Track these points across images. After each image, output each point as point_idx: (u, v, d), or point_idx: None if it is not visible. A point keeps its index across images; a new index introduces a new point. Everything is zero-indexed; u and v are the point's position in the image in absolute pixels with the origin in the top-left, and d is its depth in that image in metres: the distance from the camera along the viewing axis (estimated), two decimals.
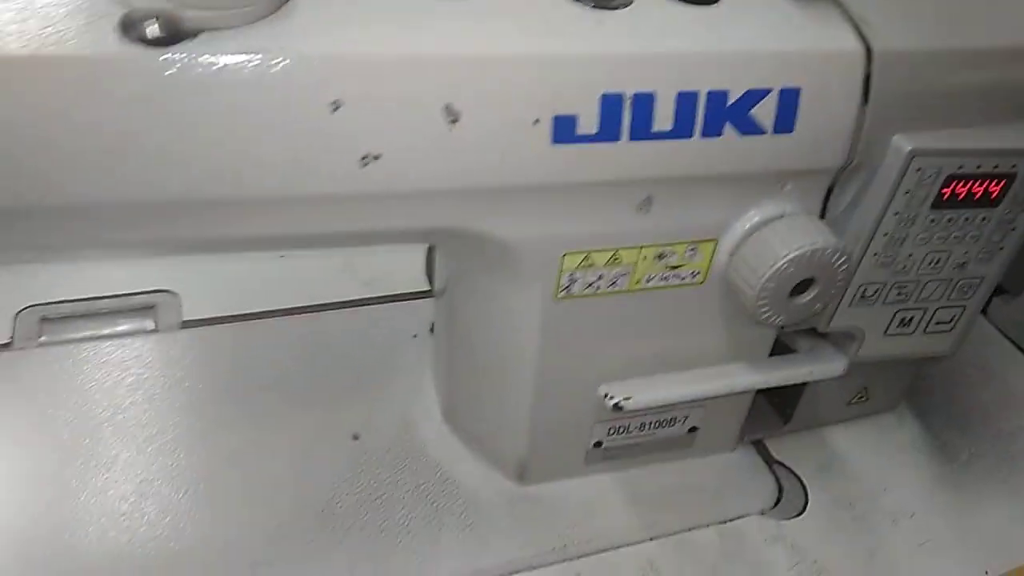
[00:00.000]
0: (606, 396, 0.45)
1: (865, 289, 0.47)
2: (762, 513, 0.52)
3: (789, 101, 0.39)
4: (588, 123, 0.37)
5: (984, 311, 0.70)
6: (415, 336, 0.61)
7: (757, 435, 0.57)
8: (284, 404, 0.55)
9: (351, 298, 0.64)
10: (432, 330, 0.62)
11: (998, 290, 0.73)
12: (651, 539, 0.50)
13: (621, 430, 0.51)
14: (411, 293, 0.65)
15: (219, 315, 0.61)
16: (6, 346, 0.56)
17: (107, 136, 0.32)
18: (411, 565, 0.47)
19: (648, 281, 0.44)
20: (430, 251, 0.58)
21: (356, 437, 0.54)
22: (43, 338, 0.57)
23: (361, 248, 0.69)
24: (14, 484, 0.49)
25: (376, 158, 0.35)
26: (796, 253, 0.41)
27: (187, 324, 0.60)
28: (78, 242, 0.36)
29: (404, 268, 0.67)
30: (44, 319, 0.58)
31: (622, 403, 0.45)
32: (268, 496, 0.50)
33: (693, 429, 0.53)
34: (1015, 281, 0.71)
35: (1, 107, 0.31)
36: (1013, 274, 0.69)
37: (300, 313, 0.62)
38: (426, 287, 0.65)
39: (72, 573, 0.45)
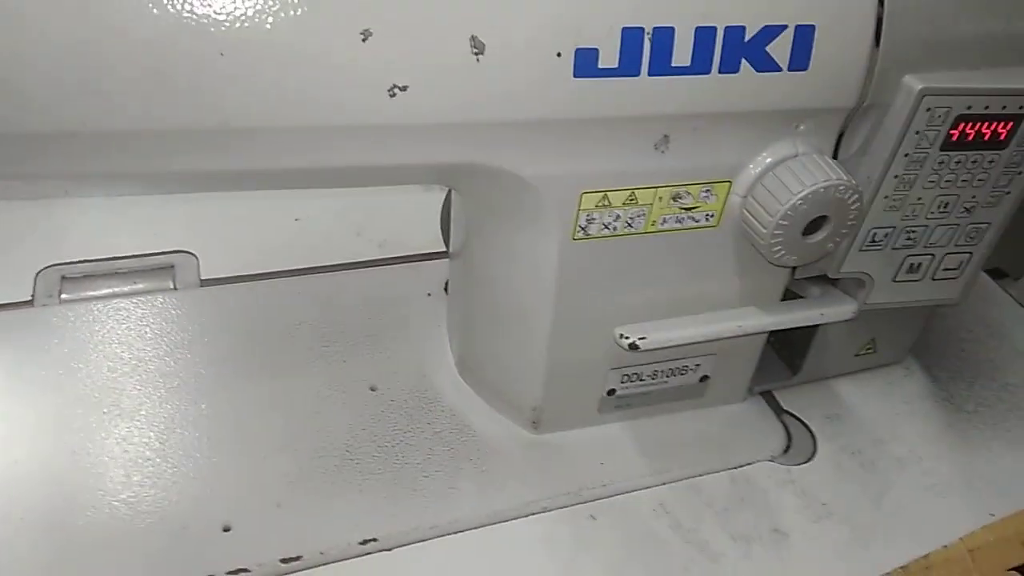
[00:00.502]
0: (621, 337, 0.46)
1: (875, 234, 0.48)
2: (772, 460, 0.53)
3: (804, 38, 0.40)
4: (609, 57, 0.38)
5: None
6: (429, 295, 0.62)
7: (766, 386, 0.58)
8: (302, 358, 0.56)
9: (365, 259, 0.65)
10: (445, 289, 0.63)
11: (998, 273, 0.75)
12: (663, 484, 0.51)
13: (634, 378, 0.52)
14: (424, 254, 0.66)
15: (237, 274, 0.62)
16: (28, 303, 0.57)
17: (140, 66, 0.33)
18: (429, 506, 0.48)
19: (663, 223, 0.45)
20: (446, 210, 0.58)
21: (373, 388, 0.55)
22: (64, 296, 0.58)
23: (374, 211, 0.70)
24: (40, 434, 0.49)
25: (403, 89, 0.36)
26: (810, 189, 0.42)
27: (206, 283, 0.61)
28: (108, 172, 0.37)
29: (416, 231, 0.68)
30: (65, 278, 0.59)
31: (637, 342, 0.46)
32: (289, 442, 0.50)
33: (704, 378, 0.54)
34: (1016, 265, 0.73)
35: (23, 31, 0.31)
36: (1014, 257, 0.70)
37: (315, 273, 0.63)
38: (439, 249, 0.66)
39: (98, 518, 0.46)
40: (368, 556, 0.46)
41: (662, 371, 0.52)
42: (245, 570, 0.44)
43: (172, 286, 0.60)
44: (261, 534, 0.45)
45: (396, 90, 0.36)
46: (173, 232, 0.64)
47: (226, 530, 0.46)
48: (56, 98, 0.33)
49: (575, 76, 0.38)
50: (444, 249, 0.66)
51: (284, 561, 0.44)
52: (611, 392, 0.52)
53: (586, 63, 0.38)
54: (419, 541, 0.47)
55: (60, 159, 0.36)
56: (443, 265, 0.65)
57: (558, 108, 0.39)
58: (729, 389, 0.55)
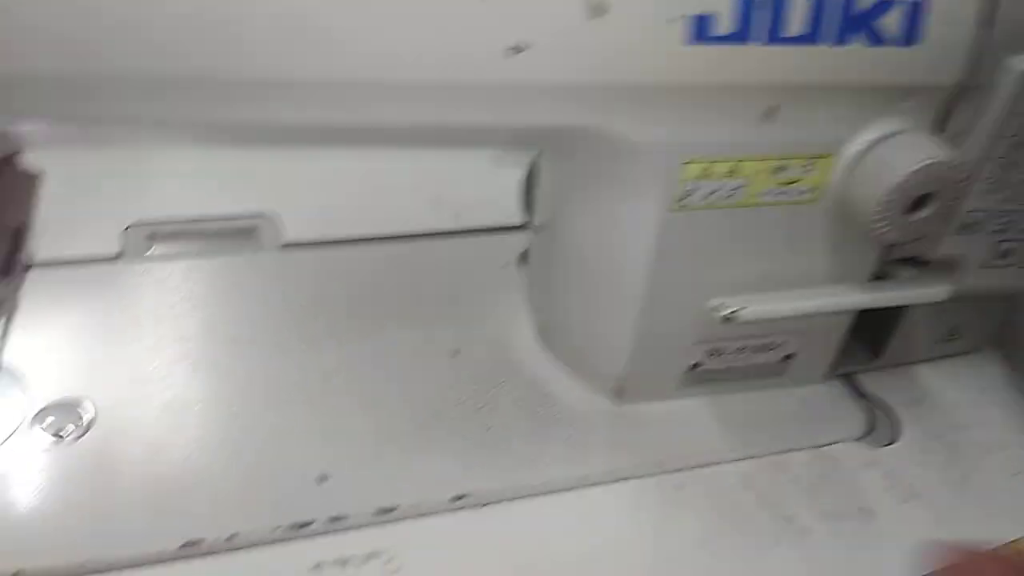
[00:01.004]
0: (717, 308, 0.46)
1: (971, 216, 0.48)
2: (856, 441, 0.53)
3: (917, 12, 0.40)
4: (725, 22, 0.38)
5: None
6: (504, 266, 0.63)
7: (846, 369, 0.57)
8: (382, 322, 0.57)
9: (442, 229, 0.65)
10: (520, 261, 0.63)
11: None
12: (747, 458, 0.51)
13: (720, 353, 0.52)
14: (498, 227, 0.66)
15: (317, 239, 0.63)
16: (115, 259, 0.58)
17: (274, 16, 0.34)
18: (518, 469, 0.49)
19: (763, 196, 0.45)
20: (529, 182, 0.59)
21: (455, 353, 0.55)
22: (150, 253, 0.59)
23: (449, 183, 0.70)
24: (131, 385, 0.51)
25: (522, 48, 0.36)
26: (921, 165, 0.41)
27: (287, 246, 0.62)
28: (233, 121, 0.38)
29: (492, 202, 0.69)
30: (151, 235, 0.60)
31: (735, 313, 0.46)
32: (377, 400, 0.51)
33: (788, 357, 0.54)
34: None
35: None
36: None
37: (393, 240, 0.64)
38: (513, 223, 0.67)
39: (192, 466, 0.47)
40: (460, 511, 0.46)
41: (748, 347, 0.52)
42: (343, 517, 0.45)
43: (256, 248, 0.61)
44: (356, 485, 0.46)
45: (516, 49, 0.36)
46: (254, 194, 0.65)
47: (321, 480, 0.46)
48: (189, 43, 0.34)
49: (690, 42, 0.38)
50: (519, 223, 0.67)
51: (379, 511, 0.45)
52: (695, 366, 0.52)
53: (702, 28, 0.38)
54: (510, 500, 0.47)
55: (187, 105, 0.37)
56: (518, 238, 0.65)
57: (673, 73, 0.39)
58: (811, 369, 0.55)
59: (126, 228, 0.60)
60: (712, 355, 0.52)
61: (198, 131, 0.40)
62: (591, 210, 0.47)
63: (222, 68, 0.34)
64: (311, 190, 0.66)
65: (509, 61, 0.36)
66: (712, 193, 0.44)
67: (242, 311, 0.56)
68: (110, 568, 0.41)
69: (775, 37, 0.39)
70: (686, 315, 0.49)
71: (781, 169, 0.44)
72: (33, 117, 0.35)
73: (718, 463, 0.51)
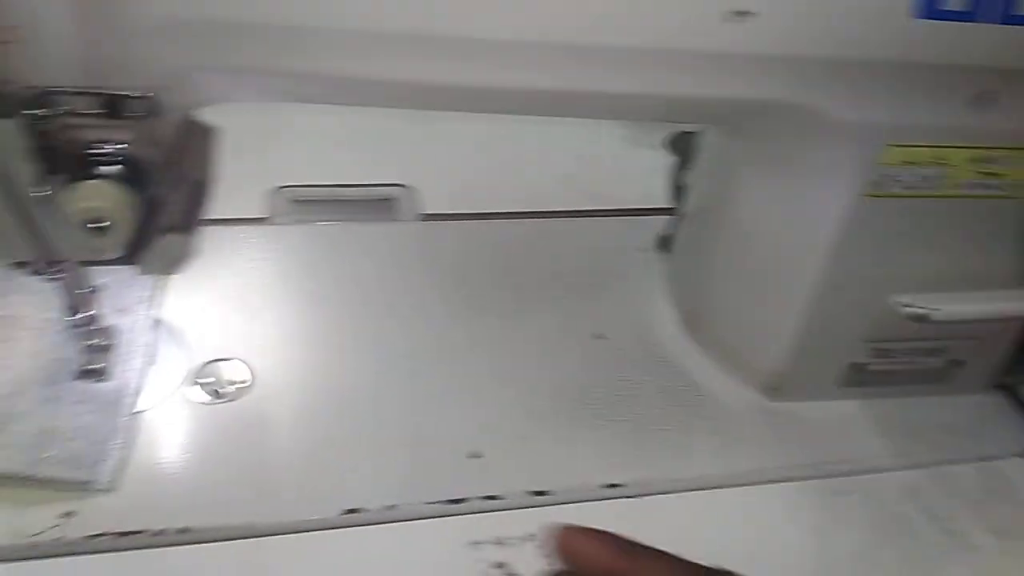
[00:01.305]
0: (905, 305, 0.44)
1: None
2: (1022, 456, 0.50)
3: None
4: None
5: None
6: (644, 250, 0.61)
7: (1009, 380, 0.54)
8: (527, 300, 0.56)
9: (578, 209, 0.64)
10: (659, 245, 0.61)
11: None
12: (909, 468, 0.48)
13: (887, 353, 0.49)
14: (636, 210, 0.64)
15: (454, 212, 0.62)
16: (261, 220, 0.58)
17: None
18: (667, 459, 0.47)
19: (962, 188, 0.42)
20: (681, 164, 0.57)
21: (599, 336, 0.54)
22: (295, 217, 0.59)
23: (583, 162, 0.69)
24: (280, 349, 0.50)
25: (745, 14, 0.34)
26: None
27: (426, 217, 0.61)
28: (411, 81, 0.36)
29: (627, 182, 0.67)
30: (295, 200, 0.60)
31: (928, 313, 0.43)
32: (525, 379, 0.50)
33: (954, 363, 0.51)
34: None
35: None
36: None
37: (530, 217, 0.62)
38: (651, 204, 0.65)
39: (341, 436, 0.46)
40: (614, 500, 0.45)
41: (918, 349, 0.49)
42: (497, 496, 0.44)
43: (395, 218, 0.61)
44: (509, 464, 0.45)
45: (738, 15, 0.34)
46: (392, 166, 0.65)
47: (474, 457, 0.46)
48: None
49: (922, 15, 0.35)
50: (658, 206, 0.65)
51: (533, 494, 0.44)
52: (856, 366, 0.50)
53: (932, 4, 0.35)
54: (662, 493, 0.46)
55: (361, 61, 0.35)
56: (655, 221, 0.63)
57: (897, 48, 0.36)
58: (975, 377, 0.52)
59: (271, 190, 0.61)
60: (878, 355, 0.49)
61: (374, 91, 0.39)
62: (769, 194, 0.45)
63: (434, 25, 0.33)
64: (443, 162, 0.66)
65: (727, 28, 0.34)
66: (910, 180, 0.41)
67: (386, 279, 0.55)
68: (273, 532, 0.41)
69: (1009, 17, 0.36)
70: (861, 310, 0.46)
71: (987, 160, 0.41)
72: (232, 69, 0.34)
73: (878, 471, 0.48)
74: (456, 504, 0.43)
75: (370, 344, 0.51)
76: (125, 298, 0.49)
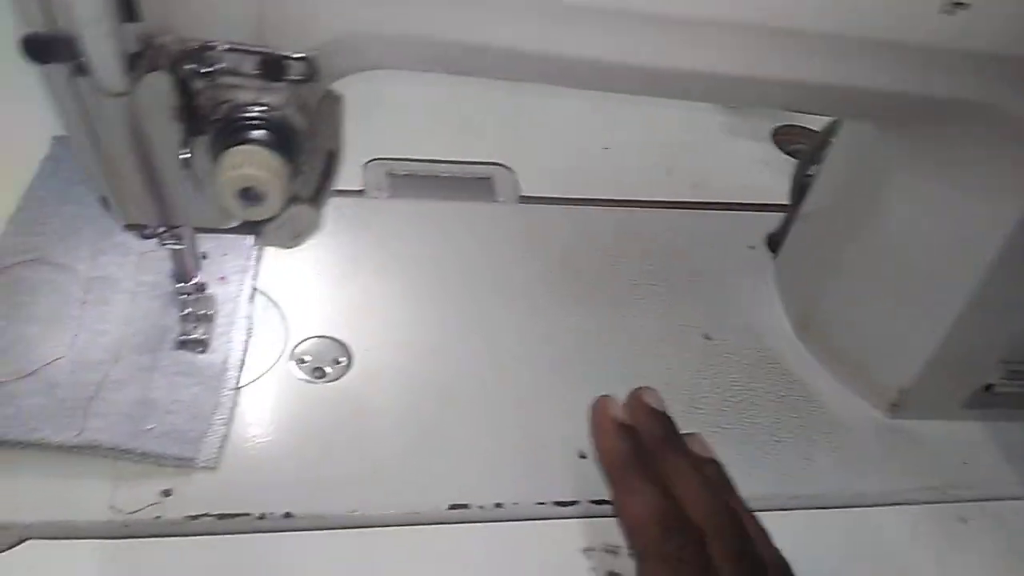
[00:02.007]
0: None
1: None
2: None
3: None
4: None
5: None
6: (751, 248, 0.58)
7: None
8: (629, 292, 0.53)
9: (680, 199, 0.61)
10: (768, 243, 0.58)
11: None
12: None
13: (1019, 375, 0.46)
14: (742, 204, 0.61)
15: (551, 195, 0.59)
16: (358, 193, 0.56)
17: None
18: (787, 474, 0.44)
19: None
20: (806, 162, 0.54)
21: (707, 337, 0.51)
22: (390, 191, 0.57)
23: (683, 151, 0.66)
24: (380, 330, 0.48)
25: (960, 5, 0.31)
26: None
27: (524, 199, 0.58)
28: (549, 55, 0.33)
29: (729, 174, 0.64)
30: (390, 174, 0.58)
31: None
32: (632, 377, 0.47)
33: None
34: None
35: None
36: None
37: (629, 206, 0.60)
38: (758, 200, 0.61)
39: (444, 425, 0.44)
40: None
41: None
42: (608, 502, 0.41)
43: (493, 198, 0.58)
44: None
45: (956, 5, 0.31)
46: (487, 143, 0.62)
47: (583, 457, 0.43)
48: None
49: None
50: (760, 200, 0.62)
51: None
52: (987, 387, 0.47)
53: None
54: (780, 509, 0.43)
55: (532, 35, 0.33)
56: (763, 218, 0.60)
57: None
58: None
59: (365, 163, 0.58)
60: (1011, 376, 0.46)
61: (544, 68, 0.35)
62: (927, 201, 0.42)
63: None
64: (540, 143, 0.63)
65: (940, 20, 0.31)
66: None
67: (484, 261, 0.53)
68: (377, 523, 0.39)
69: None
70: (1007, 330, 0.43)
71: None
72: (396, 36, 0.32)
73: (1007, 498, 0.45)
74: (566, 507, 0.41)
75: (471, 330, 0.49)
76: (225, 267, 0.47)
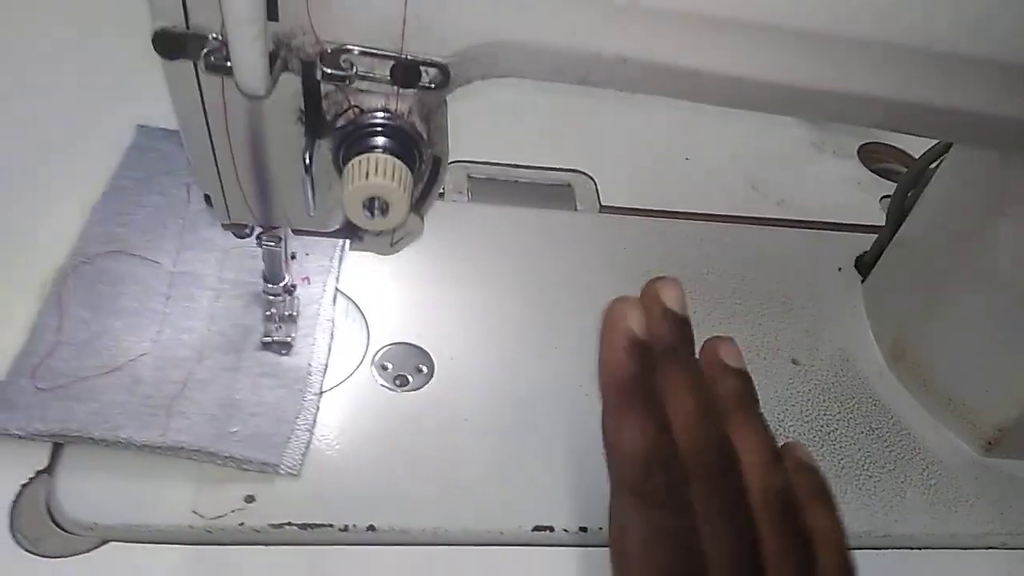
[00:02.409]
0: None
1: None
2: None
3: None
4: None
5: None
6: (839, 269, 0.56)
7: None
8: (716, 309, 0.51)
9: (765, 216, 0.59)
10: (857, 266, 0.56)
11: None
12: None
13: None
14: (829, 223, 0.59)
15: (632, 205, 0.58)
16: (439, 196, 0.55)
17: None
18: (879, 512, 0.42)
19: None
20: (907, 184, 0.51)
21: (795, 362, 0.49)
22: (470, 195, 0.56)
23: (768, 165, 0.64)
24: (462, 338, 0.47)
25: None
26: None
27: (605, 209, 0.57)
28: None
29: (815, 192, 0.62)
30: (470, 176, 0.57)
31: None
32: None
33: None
34: None
35: None
36: None
37: (715, 220, 0.58)
38: (844, 220, 0.59)
39: (528, 440, 0.43)
40: None
41: None
42: None
43: (572, 206, 0.57)
44: None
45: None
46: (566, 151, 0.61)
47: None
48: None
49: None
50: (849, 221, 0.60)
51: None
52: None
53: None
54: (871, 548, 0.42)
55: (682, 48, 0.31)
56: (851, 239, 0.58)
57: None
58: None
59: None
60: None
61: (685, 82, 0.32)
62: None
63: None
64: (620, 152, 0.61)
65: None
66: None
67: (565, 272, 0.51)
68: (461, 541, 0.38)
69: None
70: None
71: None
72: (537, 46, 0.30)
73: None
74: None
75: (552, 343, 0.47)
76: (308, 267, 0.46)
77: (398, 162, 0.27)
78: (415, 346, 0.45)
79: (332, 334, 0.44)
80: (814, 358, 0.50)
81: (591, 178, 0.59)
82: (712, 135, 0.65)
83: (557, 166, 0.59)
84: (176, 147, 0.52)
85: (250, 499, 0.37)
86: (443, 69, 0.27)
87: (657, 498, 0.23)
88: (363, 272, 0.49)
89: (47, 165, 0.51)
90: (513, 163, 0.58)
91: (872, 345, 0.51)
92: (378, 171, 0.26)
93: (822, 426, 0.46)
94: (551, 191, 0.58)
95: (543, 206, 0.56)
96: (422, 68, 0.26)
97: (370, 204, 0.27)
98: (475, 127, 0.61)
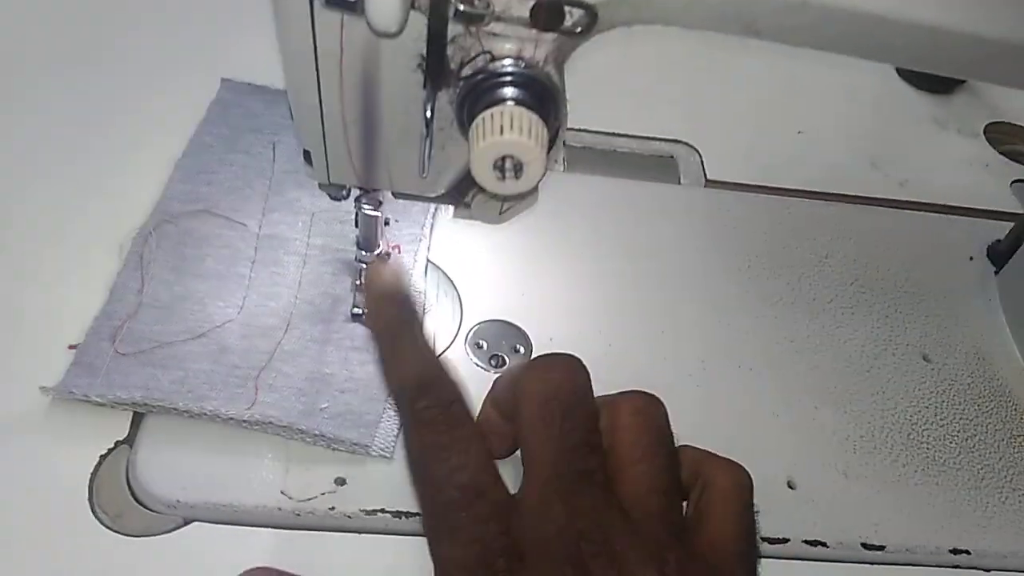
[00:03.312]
0: None
1: None
2: None
3: None
4: None
5: None
6: (971, 259, 0.51)
7: None
8: (838, 298, 0.46)
9: (888, 198, 0.54)
10: (989, 256, 0.51)
11: None
12: None
13: None
14: (961, 208, 0.54)
15: (740, 180, 0.53)
16: None
17: None
18: (1022, 527, 0.38)
19: None
20: None
21: (927, 359, 0.45)
22: (568, 164, 0.52)
23: (890, 142, 0.59)
24: (559, 319, 0.43)
25: None
26: None
27: (711, 183, 0.53)
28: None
29: (942, 174, 0.56)
30: (567, 144, 0.53)
31: None
32: (843, 398, 0.42)
33: None
34: None
35: None
36: None
37: (829, 200, 0.53)
38: (977, 205, 0.54)
39: None
40: (958, 569, 0.37)
41: None
42: (822, 543, 0.36)
43: (675, 179, 0.53)
44: (830, 504, 0.37)
45: None
46: (669, 119, 0.56)
47: (790, 487, 0.38)
48: None
49: None
50: (979, 206, 0.54)
51: (867, 547, 0.36)
52: None
53: None
54: (1018, 571, 0.37)
55: None
56: (982, 225, 0.53)
57: None
58: None
59: None
60: None
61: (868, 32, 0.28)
62: None
63: None
64: (729, 123, 0.57)
65: None
66: None
67: (669, 251, 0.47)
68: None
69: None
70: None
71: None
72: None
73: None
74: (775, 544, 0.36)
75: (654, 327, 0.44)
76: (400, 235, 0.43)
77: (535, 116, 0.23)
78: (511, 324, 0.42)
79: (424, 307, 0.41)
80: (947, 355, 0.45)
81: (696, 150, 0.54)
82: (827, 107, 0.60)
83: (659, 135, 0.55)
84: (261, 103, 0.49)
85: (341, 482, 0.35)
86: (590, 10, 0.23)
87: (426, 416, 0.24)
88: (454, 243, 0.45)
89: (127, 117, 0.48)
90: (612, 131, 0.54)
91: (1010, 343, 0.46)
92: (514, 126, 0.23)
93: (959, 431, 0.42)
94: (653, 162, 0.53)
95: (644, 178, 0.52)
96: (567, 8, 0.23)
97: (502, 164, 0.23)
98: (570, 91, 0.57)
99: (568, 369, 0.25)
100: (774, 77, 0.61)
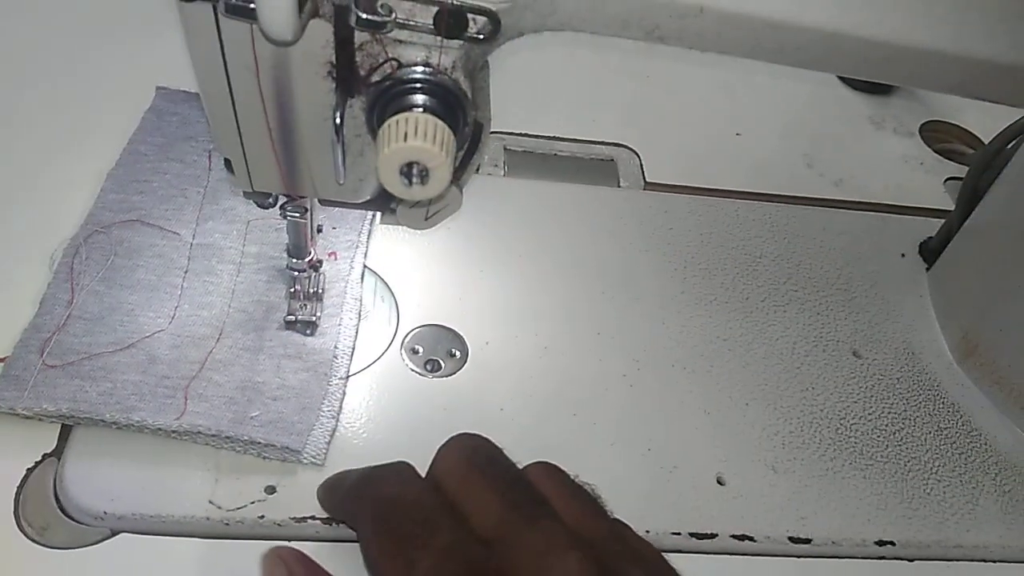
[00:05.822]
0: None
1: None
2: None
3: None
4: None
5: None
6: (903, 256, 0.52)
7: None
8: (771, 297, 0.47)
9: (822, 197, 0.55)
10: (921, 252, 0.52)
11: None
12: None
13: None
14: (891, 206, 0.55)
15: (679, 182, 0.54)
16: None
17: None
18: (948, 520, 0.39)
19: None
20: (980, 167, 0.47)
21: (856, 355, 0.46)
22: (507, 169, 0.52)
23: (824, 143, 0.60)
24: (495, 324, 0.44)
25: None
26: None
27: (650, 186, 0.53)
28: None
29: (874, 173, 0.58)
30: (507, 149, 0.53)
31: None
32: (773, 394, 0.42)
33: None
34: None
35: None
36: None
37: (765, 200, 0.54)
38: (906, 203, 0.55)
39: (569, 437, 0.40)
40: (883, 560, 0.38)
41: None
42: (750, 538, 0.37)
43: (617, 183, 0.53)
44: (759, 499, 0.38)
45: None
46: (609, 123, 0.57)
47: (719, 483, 0.39)
48: None
49: None
50: (911, 204, 0.56)
51: (793, 540, 0.37)
52: None
53: None
54: (941, 559, 0.38)
55: None
56: (915, 223, 0.54)
57: None
58: None
59: None
60: None
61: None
62: None
63: None
64: (666, 126, 0.57)
65: None
66: None
67: (608, 254, 0.48)
68: None
69: None
70: None
71: None
72: None
73: None
74: (703, 540, 0.37)
75: (592, 329, 0.44)
76: (336, 242, 0.43)
77: (440, 123, 0.23)
78: (448, 329, 0.42)
79: (360, 314, 0.41)
80: (877, 351, 0.46)
81: (636, 153, 0.55)
82: (764, 109, 0.61)
83: (599, 139, 0.55)
84: (197, 111, 0.49)
85: (271, 490, 0.35)
86: (493, 17, 0.23)
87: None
88: (392, 249, 0.46)
89: (58, 127, 0.48)
90: (552, 135, 0.55)
91: (939, 338, 0.48)
92: (418, 133, 0.23)
93: (886, 425, 0.43)
94: (593, 166, 0.54)
95: (584, 182, 0.53)
96: (470, 16, 0.23)
97: (408, 170, 0.24)
98: (511, 96, 0.57)
99: (458, 446, 0.31)
100: (713, 80, 0.62)
